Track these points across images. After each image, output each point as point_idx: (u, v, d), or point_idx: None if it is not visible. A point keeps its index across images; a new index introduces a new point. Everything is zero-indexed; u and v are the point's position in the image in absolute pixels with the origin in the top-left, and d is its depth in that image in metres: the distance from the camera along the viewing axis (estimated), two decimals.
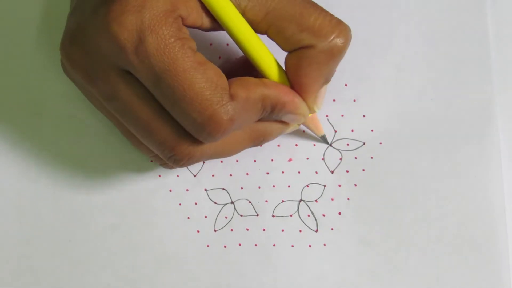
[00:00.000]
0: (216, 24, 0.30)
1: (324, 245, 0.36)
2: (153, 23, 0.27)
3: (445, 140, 0.35)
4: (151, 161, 0.36)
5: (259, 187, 0.36)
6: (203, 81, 0.27)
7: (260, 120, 0.31)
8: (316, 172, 0.36)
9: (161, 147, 0.30)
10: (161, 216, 0.36)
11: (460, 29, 0.36)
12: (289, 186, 0.36)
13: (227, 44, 0.36)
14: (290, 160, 0.36)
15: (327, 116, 0.36)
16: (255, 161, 0.36)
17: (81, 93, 0.33)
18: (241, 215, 0.36)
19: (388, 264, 0.35)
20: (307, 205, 0.36)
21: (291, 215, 0.36)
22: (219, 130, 0.28)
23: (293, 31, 0.30)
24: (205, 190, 0.36)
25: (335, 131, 0.36)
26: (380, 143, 0.36)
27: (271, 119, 0.32)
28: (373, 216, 0.35)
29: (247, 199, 0.36)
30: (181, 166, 0.31)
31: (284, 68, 0.32)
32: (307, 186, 0.36)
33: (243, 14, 0.30)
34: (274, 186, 0.36)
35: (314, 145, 0.36)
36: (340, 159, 0.36)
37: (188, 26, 0.29)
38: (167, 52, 0.27)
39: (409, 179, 0.35)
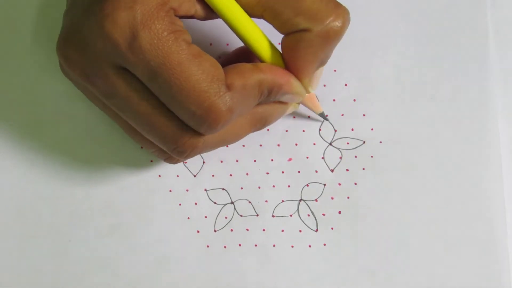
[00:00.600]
0: (210, 11, 0.30)
1: (324, 244, 0.35)
2: (145, 18, 0.27)
3: (445, 140, 0.35)
4: (151, 161, 0.36)
5: (259, 187, 0.36)
6: (199, 73, 0.27)
7: (259, 104, 0.31)
8: (316, 171, 0.36)
9: (164, 141, 0.30)
10: (161, 216, 0.36)
11: (460, 29, 0.36)
12: (289, 186, 0.36)
13: (227, 44, 0.36)
14: (290, 159, 0.36)
15: (327, 116, 0.36)
16: (255, 161, 0.36)
17: (80, 93, 0.33)
18: (241, 215, 0.36)
19: (388, 264, 0.35)
20: (307, 205, 0.36)
21: (291, 215, 0.36)
22: (219, 122, 0.28)
23: (289, 15, 0.29)
24: (205, 190, 0.36)
25: (335, 130, 0.36)
26: (380, 142, 0.36)
27: (269, 101, 0.32)
28: (373, 215, 0.35)
29: (247, 199, 0.36)
30: (186, 157, 0.31)
31: (279, 49, 0.31)
32: (307, 185, 0.36)
33: None
34: (274, 186, 0.36)
35: (314, 144, 0.36)
36: (340, 158, 0.36)
37: (181, 17, 0.29)
38: (161, 46, 0.27)
39: (409, 178, 0.35)
